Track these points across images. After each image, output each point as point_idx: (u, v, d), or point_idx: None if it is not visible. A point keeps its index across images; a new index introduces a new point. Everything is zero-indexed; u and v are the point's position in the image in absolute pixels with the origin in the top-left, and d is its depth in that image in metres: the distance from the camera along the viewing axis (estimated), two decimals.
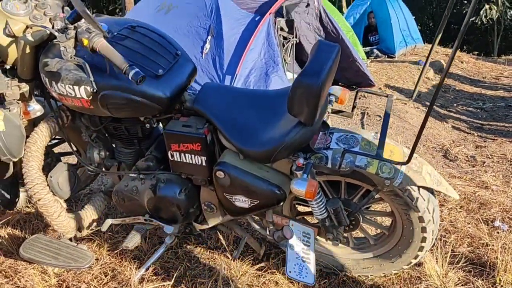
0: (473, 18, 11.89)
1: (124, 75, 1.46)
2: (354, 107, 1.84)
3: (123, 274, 2.01)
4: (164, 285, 1.95)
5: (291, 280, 1.93)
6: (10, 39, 1.71)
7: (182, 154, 1.74)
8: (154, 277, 2.01)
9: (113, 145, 2.01)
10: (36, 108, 1.83)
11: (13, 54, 1.74)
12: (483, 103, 6.02)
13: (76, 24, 1.53)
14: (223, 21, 4.81)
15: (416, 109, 5.32)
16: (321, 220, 1.75)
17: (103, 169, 2.02)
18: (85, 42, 1.50)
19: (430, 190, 1.66)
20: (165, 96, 1.65)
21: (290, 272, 1.65)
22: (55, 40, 1.73)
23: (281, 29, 5.14)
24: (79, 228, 1.99)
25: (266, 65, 4.65)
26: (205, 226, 1.99)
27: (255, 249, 2.08)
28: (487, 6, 11.41)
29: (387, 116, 1.64)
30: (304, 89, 1.39)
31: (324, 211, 1.70)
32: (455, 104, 5.92)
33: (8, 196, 2.10)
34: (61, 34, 1.55)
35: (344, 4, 11.24)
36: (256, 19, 4.96)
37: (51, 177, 1.89)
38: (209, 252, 2.19)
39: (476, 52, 9.96)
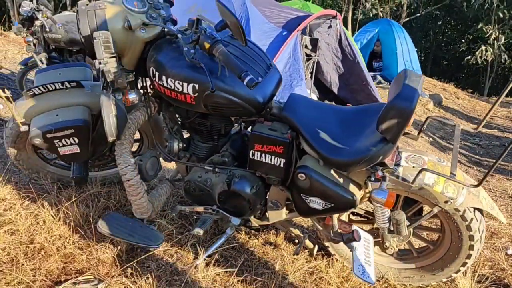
0: (468, 57, 12.47)
1: (239, 79, 1.65)
2: (420, 131, 2.06)
3: (186, 258, 2.18)
4: (227, 272, 2.12)
5: (340, 279, 2.13)
6: (126, 32, 1.88)
7: (264, 155, 1.92)
8: (217, 264, 2.19)
9: (192, 138, 2.17)
10: (135, 96, 1.99)
11: (125, 45, 1.90)
12: (479, 139, 6.39)
13: (197, 29, 1.71)
14: (252, 32, 5.02)
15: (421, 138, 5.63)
16: (382, 228, 1.96)
17: (177, 158, 2.19)
18: (206, 46, 1.68)
19: (481, 213, 1.90)
20: (261, 101, 1.84)
21: (356, 271, 1.85)
22: (168, 38, 1.91)
23: (305, 46, 5.39)
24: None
25: (291, 77, 4.88)
26: (264, 222, 2.18)
27: (309, 248, 2.27)
28: (483, 47, 11.99)
29: (456, 142, 1.88)
30: (397, 111, 1.60)
31: (387, 220, 1.92)
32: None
33: (83, 174, 2.24)
34: (184, 35, 1.73)
35: (349, 28, 11.62)
36: (284, 34, 5.20)
37: (140, 161, 2.05)
38: (263, 246, 2.37)
39: (470, 90, 10.43)
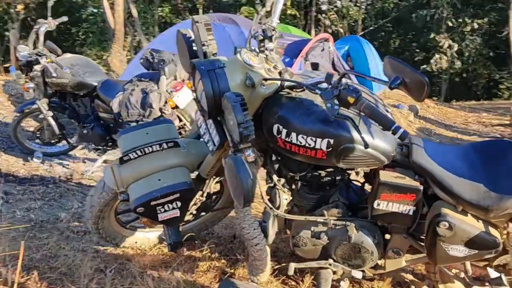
0: (425, 66, 13.09)
1: (391, 133, 1.59)
2: None
3: None
4: None
5: None
6: (246, 89, 1.76)
7: (391, 204, 1.86)
8: None
9: (297, 190, 2.07)
10: (253, 154, 1.86)
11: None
12: None
13: (338, 82, 1.63)
14: None
15: None
16: None
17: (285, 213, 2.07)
18: (351, 100, 1.60)
19: None
20: (393, 151, 1.79)
21: None
22: (285, 92, 1.82)
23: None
24: None
25: None
26: (380, 271, 2.09)
27: None
28: (437, 56, 12.64)
29: None
30: None
31: None
32: None
33: (179, 239, 2.07)
34: (323, 91, 1.64)
35: None
36: (286, 60, 5.20)
37: (264, 222, 1.92)
38: None
39: (435, 98, 10.94)
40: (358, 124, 1.69)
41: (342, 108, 1.65)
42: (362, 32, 14.37)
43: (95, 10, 14.67)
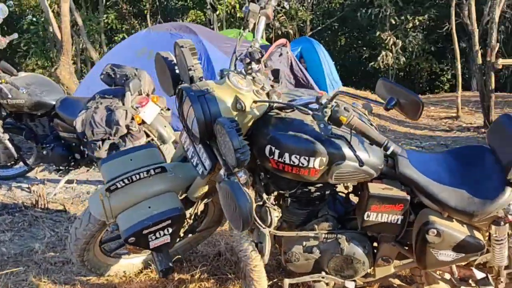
0: (372, 63, 13.53)
1: (382, 149, 1.64)
2: None
3: None
4: None
5: None
6: (236, 112, 1.76)
7: (380, 215, 1.92)
8: None
9: (286, 206, 2.08)
10: (245, 176, 1.84)
11: None
12: (420, 142, 6.94)
13: (329, 102, 1.66)
14: (216, 69, 4.97)
15: None
16: (499, 267, 2.03)
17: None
18: (343, 120, 1.64)
19: None
20: (381, 164, 1.85)
21: None
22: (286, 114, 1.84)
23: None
24: None
25: None
26: (370, 279, 2.16)
27: None
28: (383, 53, 13.10)
29: None
30: None
31: (506, 257, 1.99)
32: (399, 144, 6.73)
33: (170, 265, 2.03)
34: (315, 112, 1.67)
35: None
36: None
37: (261, 243, 1.91)
38: None
39: None
40: (350, 141, 1.73)
41: (333, 127, 1.69)
42: (311, 32, 14.65)
43: (35, 19, 14.04)
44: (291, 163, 1.76)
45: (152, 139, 3.81)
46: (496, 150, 1.95)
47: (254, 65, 1.87)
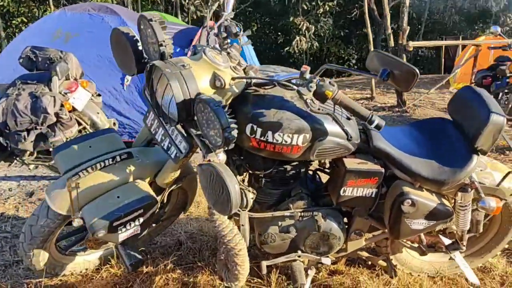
0: (287, 48, 13.77)
1: (367, 123, 1.63)
2: None
3: None
4: None
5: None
6: (214, 90, 1.64)
7: (356, 189, 1.93)
8: None
9: (260, 187, 2.01)
10: (224, 157, 1.73)
11: None
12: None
13: (314, 77, 1.61)
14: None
15: None
16: (462, 231, 2.14)
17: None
18: (329, 94, 1.60)
19: None
20: (358, 139, 1.85)
21: (471, 278, 2.06)
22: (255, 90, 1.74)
23: None
24: None
25: None
26: (342, 254, 2.18)
27: (388, 272, 2.30)
28: (298, 38, 13.39)
29: None
30: (495, 127, 1.83)
31: (469, 222, 2.10)
32: None
33: (140, 257, 1.87)
34: (300, 87, 1.61)
35: None
36: (177, 50, 4.99)
37: (242, 225, 1.82)
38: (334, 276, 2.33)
39: None
40: (337, 117, 1.71)
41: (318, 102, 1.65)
42: None
43: None
44: (274, 141, 1.69)
45: (85, 128, 3.53)
46: (460, 121, 2.05)
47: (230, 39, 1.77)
